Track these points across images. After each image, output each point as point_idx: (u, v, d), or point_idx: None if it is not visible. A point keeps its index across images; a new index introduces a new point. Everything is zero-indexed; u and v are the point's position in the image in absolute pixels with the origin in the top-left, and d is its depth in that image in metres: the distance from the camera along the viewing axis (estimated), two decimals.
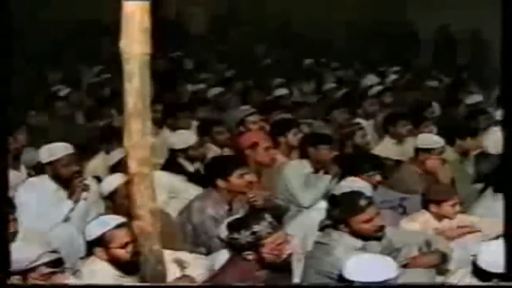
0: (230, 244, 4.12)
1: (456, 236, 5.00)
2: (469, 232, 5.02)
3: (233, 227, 4.11)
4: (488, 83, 11.50)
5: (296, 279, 4.36)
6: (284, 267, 4.05)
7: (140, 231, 3.10)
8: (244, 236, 3.99)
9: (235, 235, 4.03)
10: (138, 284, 3.70)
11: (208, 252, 4.83)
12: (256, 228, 3.99)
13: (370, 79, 10.70)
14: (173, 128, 7.36)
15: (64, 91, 9.37)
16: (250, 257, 4.00)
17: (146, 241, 3.11)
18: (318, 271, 4.31)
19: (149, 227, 3.09)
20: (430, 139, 6.32)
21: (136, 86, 2.91)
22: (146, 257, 3.16)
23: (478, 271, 3.81)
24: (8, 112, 3.21)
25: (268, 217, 4.08)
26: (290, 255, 4.05)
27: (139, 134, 2.95)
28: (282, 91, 9.58)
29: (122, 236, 3.91)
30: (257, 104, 8.30)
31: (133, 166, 3.00)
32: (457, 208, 5.13)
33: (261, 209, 4.81)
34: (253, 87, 10.23)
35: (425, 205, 5.19)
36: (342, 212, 4.34)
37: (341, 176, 5.36)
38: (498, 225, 5.07)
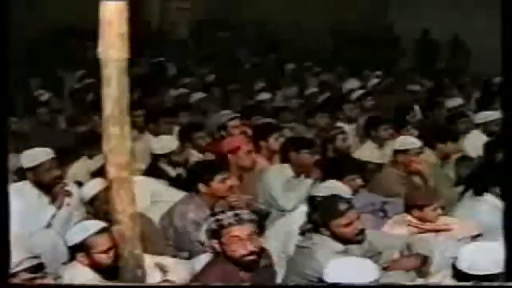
0: (206, 233, 4.17)
1: (428, 232, 5.03)
2: (443, 230, 5.04)
3: (211, 215, 4.24)
4: (469, 86, 11.60)
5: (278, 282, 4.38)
6: (248, 265, 4.02)
7: (120, 235, 3.11)
8: (211, 222, 4.06)
9: (208, 222, 4.13)
10: (138, 284, 3.72)
11: (191, 257, 4.83)
12: (220, 216, 4.05)
13: (352, 83, 10.75)
14: (155, 133, 7.37)
15: (45, 96, 9.34)
16: (217, 246, 4.02)
17: (126, 246, 3.12)
18: (299, 275, 4.32)
19: (129, 232, 3.10)
20: (406, 140, 6.37)
21: (114, 91, 2.93)
22: (126, 261, 3.16)
23: (457, 273, 3.83)
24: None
25: (240, 211, 4.13)
26: (252, 253, 4.00)
27: (118, 139, 2.96)
28: (264, 96, 9.61)
29: (103, 241, 3.91)
30: (239, 109, 8.32)
31: (112, 171, 3.01)
32: (439, 212, 5.15)
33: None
34: (235, 92, 10.25)
35: (407, 209, 5.22)
36: (322, 216, 4.36)
37: (323, 180, 5.38)
38: (477, 227, 5.15)
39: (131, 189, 3.14)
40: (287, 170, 5.96)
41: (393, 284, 4.11)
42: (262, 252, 4.14)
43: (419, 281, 4.52)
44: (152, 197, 5.70)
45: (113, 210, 3.10)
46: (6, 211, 3.28)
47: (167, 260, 4.41)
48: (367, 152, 7.01)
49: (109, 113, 2.99)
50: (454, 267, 3.85)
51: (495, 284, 3.80)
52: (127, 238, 3.14)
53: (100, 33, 2.95)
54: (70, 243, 4.11)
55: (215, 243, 4.04)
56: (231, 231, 3.99)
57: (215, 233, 4.03)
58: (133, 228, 3.13)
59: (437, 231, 5.08)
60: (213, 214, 4.17)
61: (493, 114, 8.01)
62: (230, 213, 4.06)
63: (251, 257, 4.00)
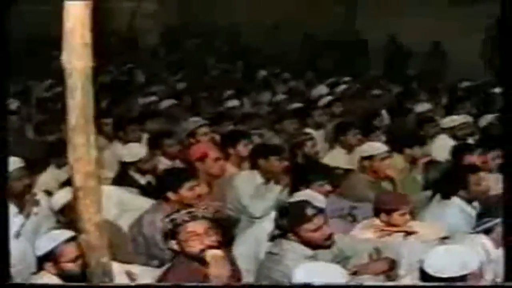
0: (163, 236, 4.23)
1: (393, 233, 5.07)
2: (410, 233, 5.08)
3: (164, 216, 4.26)
4: (437, 91, 11.71)
5: None
6: (202, 261, 4.04)
7: (87, 244, 3.11)
8: (166, 223, 4.12)
9: (161, 224, 4.24)
10: (138, 284, 3.71)
11: (161, 265, 4.82)
12: (174, 215, 4.12)
13: (321, 89, 10.81)
14: (124, 141, 7.35)
15: (14, 105, 9.28)
16: (175, 247, 4.07)
17: (93, 254, 3.13)
18: (269, 281, 4.34)
19: (95, 240, 3.10)
20: (372, 146, 6.41)
21: (78, 101, 2.94)
22: (93, 269, 3.17)
23: (424, 276, 3.87)
24: None
25: (193, 209, 4.20)
26: (212, 247, 4.03)
27: (84, 148, 2.97)
28: (233, 103, 9.63)
29: (71, 250, 3.91)
30: (208, 116, 8.33)
31: (78, 180, 3.02)
32: (407, 217, 5.18)
33: (212, 220, 4.81)
34: (204, 99, 10.26)
35: (375, 214, 5.25)
36: (290, 221, 4.39)
37: (292, 187, 5.40)
38: (445, 231, 5.20)
39: (97, 198, 3.15)
40: (256, 176, 5.98)
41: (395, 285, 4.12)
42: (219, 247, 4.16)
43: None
44: (121, 206, 5.67)
45: (79, 219, 3.10)
46: (6, 211, 3.28)
47: (136, 268, 4.41)
48: (336, 157, 7.06)
49: (74, 122, 3.00)
50: (421, 270, 3.89)
51: (495, 284, 3.85)
52: (94, 246, 3.14)
53: (63, 43, 2.96)
54: (38, 253, 4.10)
55: (173, 243, 4.08)
56: (186, 228, 4.05)
57: (172, 233, 4.09)
58: (100, 237, 3.14)
59: (404, 234, 5.11)
60: (167, 216, 4.22)
61: (460, 119, 8.11)
62: (183, 211, 4.15)
63: (204, 253, 4.04)
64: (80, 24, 2.88)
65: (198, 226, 4.07)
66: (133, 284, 4.00)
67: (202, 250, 4.01)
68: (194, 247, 4.01)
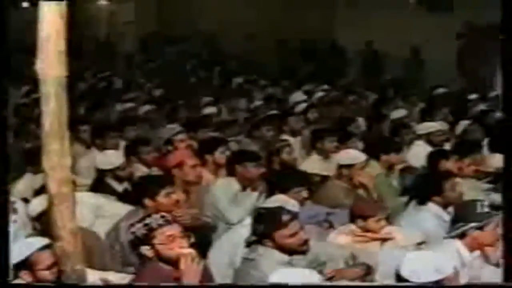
0: (132, 242, 4.20)
1: (372, 241, 5.10)
2: (385, 239, 5.12)
3: (133, 223, 4.24)
4: (413, 97, 11.79)
5: None
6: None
7: (62, 251, 3.11)
8: (138, 229, 4.11)
9: (132, 229, 4.16)
10: (138, 284, 3.71)
11: (138, 272, 4.82)
12: (147, 220, 4.12)
13: (297, 96, 10.85)
14: (101, 148, 7.34)
15: None
16: (149, 252, 4.06)
17: (68, 261, 3.13)
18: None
19: (70, 248, 3.11)
20: (351, 155, 6.45)
21: (53, 108, 2.95)
22: (68, 277, 3.17)
23: (401, 282, 3.89)
24: None
25: (164, 214, 4.21)
26: (189, 253, 4.05)
27: (58, 155, 2.98)
28: (211, 110, 9.64)
29: (47, 257, 3.90)
30: (185, 123, 8.33)
31: (53, 187, 3.03)
32: (383, 223, 5.22)
33: (188, 227, 4.83)
34: (182, 106, 10.27)
35: (352, 220, 5.28)
36: (266, 227, 4.40)
37: (269, 193, 5.42)
38: (421, 236, 5.24)
39: (72, 205, 3.15)
40: (233, 183, 5.99)
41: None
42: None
43: None
44: (98, 213, 5.67)
45: (54, 226, 3.10)
46: (6, 211, 3.26)
47: (112, 276, 4.41)
48: (312, 164, 7.09)
49: (49, 129, 3.01)
50: (396, 275, 3.92)
51: (495, 284, 3.88)
52: (68, 253, 3.14)
53: (38, 51, 2.97)
54: (14, 260, 4.08)
55: (146, 249, 4.07)
56: (162, 232, 4.06)
57: (144, 239, 4.08)
58: (74, 244, 3.14)
59: (381, 240, 5.14)
60: (138, 221, 4.20)
61: (436, 125, 8.18)
62: (156, 216, 4.15)
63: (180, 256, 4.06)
64: (55, 32, 2.89)
65: (173, 230, 4.09)
66: (132, 284, 3.99)
67: (179, 254, 4.02)
68: (171, 250, 4.03)
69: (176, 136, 7.25)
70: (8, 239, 3.22)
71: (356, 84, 13.73)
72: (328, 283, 4.35)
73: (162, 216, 4.15)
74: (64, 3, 2.91)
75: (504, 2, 3.43)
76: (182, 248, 4.04)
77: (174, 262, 4.03)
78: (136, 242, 4.14)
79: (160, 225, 4.08)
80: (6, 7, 3.23)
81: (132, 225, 4.22)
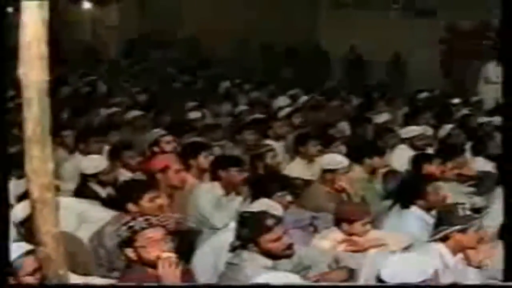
0: (118, 244, 4.21)
1: (363, 250, 5.11)
2: (376, 246, 5.13)
3: (119, 226, 4.24)
4: (396, 102, 11.85)
5: None
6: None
7: (45, 256, 3.11)
8: (122, 231, 4.12)
9: (118, 232, 4.17)
10: (138, 284, 3.74)
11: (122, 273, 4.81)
12: (132, 222, 4.12)
13: (281, 100, 10.88)
14: (85, 153, 7.33)
15: None
16: (132, 254, 4.07)
17: (50, 266, 3.13)
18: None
19: (53, 253, 3.10)
20: (334, 159, 6.46)
21: (35, 113, 2.96)
22: (51, 282, 3.17)
23: (381, 285, 3.91)
24: None
25: (149, 217, 4.19)
26: (168, 256, 4.05)
27: (40, 160, 2.98)
28: (195, 114, 9.65)
29: (30, 263, 3.88)
30: (169, 127, 8.33)
31: (35, 192, 3.03)
32: (368, 227, 5.23)
33: (172, 232, 4.83)
34: (166, 110, 10.26)
35: (337, 224, 5.29)
36: (250, 232, 4.41)
37: (253, 198, 5.43)
38: (405, 239, 5.26)
39: (55, 210, 3.15)
40: (217, 188, 5.99)
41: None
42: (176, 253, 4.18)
43: None
44: (82, 218, 5.66)
45: (37, 231, 3.10)
46: (6, 211, 3.25)
47: (96, 280, 4.40)
48: (296, 168, 7.11)
49: (31, 134, 3.02)
50: (378, 278, 3.93)
51: (496, 284, 3.89)
52: (51, 258, 3.14)
53: (20, 56, 2.98)
54: None
55: (129, 251, 4.08)
56: (145, 234, 4.07)
57: (128, 241, 4.09)
58: (57, 249, 3.14)
59: (369, 248, 5.15)
60: (123, 224, 4.21)
61: (419, 129, 8.22)
62: (140, 218, 4.15)
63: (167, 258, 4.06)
64: (37, 37, 2.89)
65: (156, 233, 4.09)
66: (132, 284, 3.99)
67: (160, 256, 4.03)
68: (152, 253, 4.03)
69: (160, 140, 7.24)
70: (8, 240, 3.21)
71: (340, 89, 13.77)
72: (310, 283, 4.37)
73: (146, 219, 4.15)
74: (46, 8, 2.91)
75: (504, 3, 3.45)
76: (162, 252, 4.04)
77: (154, 265, 4.03)
78: (121, 244, 4.15)
79: (143, 228, 4.09)
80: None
81: (119, 227, 4.22)
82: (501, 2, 3.51)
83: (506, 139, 3.42)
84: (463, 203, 4.97)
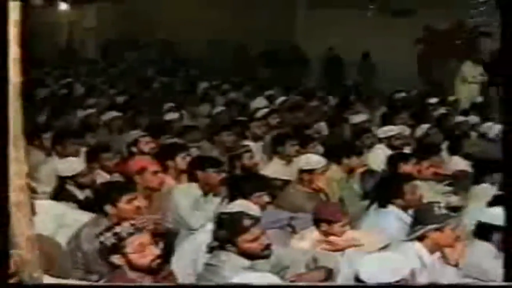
0: (101, 251, 4.16)
1: (341, 250, 5.13)
2: (353, 246, 5.15)
3: (101, 232, 4.19)
4: (374, 102, 11.91)
5: None
6: (154, 270, 4.07)
7: (19, 259, 3.10)
8: (107, 238, 4.07)
9: (101, 239, 4.10)
10: (139, 284, 3.76)
11: (100, 279, 4.80)
12: (117, 229, 4.08)
13: (259, 101, 10.90)
14: (62, 155, 7.29)
15: None
16: (119, 261, 4.04)
17: (25, 269, 3.12)
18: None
19: (28, 255, 3.09)
20: (311, 159, 6.48)
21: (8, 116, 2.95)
22: (26, 284, 3.16)
23: (359, 284, 3.93)
24: None
25: (132, 220, 4.19)
26: (158, 257, 4.07)
27: (14, 163, 2.97)
28: (173, 116, 9.64)
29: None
30: (147, 129, 8.32)
31: (10, 194, 3.02)
32: (347, 227, 5.25)
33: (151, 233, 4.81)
34: (144, 112, 10.24)
35: (315, 224, 5.30)
36: (227, 232, 4.41)
37: (230, 198, 5.43)
38: (383, 239, 5.29)
39: (29, 212, 3.14)
40: (194, 189, 5.99)
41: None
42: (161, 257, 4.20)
43: None
44: (60, 221, 5.63)
45: (12, 234, 3.09)
46: (6, 211, 3.24)
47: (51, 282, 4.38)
48: (274, 169, 7.12)
49: None
50: (355, 277, 3.95)
51: (496, 284, 3.91)
52: (26, 261, 3.13)
53: None
54: None
55: (116, 257, 4.04)
56: (134, 240, 4.03)
57: (114, 248, 4.04)
58: (32, 252, 3.13)
59: (346, 248, 5.17)
60: (106, 230, 4.17)
61: (396, 129, 8.27)
62: (126, 224, 4.12)
63: (158, 261, 4.07)
64: (10, 40, 2.88)
65: (145, 238, 4.08)
66: (133, 284, 3.98)
67: (152, 260, 4.02)
68: (144, 258, 4.01)
69: (141, 138, 7.23)
70: (8, 239, 3.19)
71: (318, 89, 13.81)
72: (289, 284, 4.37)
73: (132, 224, 4.12)
74: (17, 10, 2.90)
75: (503, 4, 3.48)
76: (154, 257, 4.03)
77: (145, 270, 4.02)
78: (105, 251, 4.09)
79: (130, 234, 4.05)
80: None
81: (101, 234, 4.16)
82: (502, 2, 3.53)
83: (507, 140, 3.44)
84: (438, 202, 5.00)
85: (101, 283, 4.05)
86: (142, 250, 4.02)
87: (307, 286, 4.37)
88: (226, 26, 18.12)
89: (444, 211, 4.81)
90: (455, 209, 5.81)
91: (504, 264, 3.51)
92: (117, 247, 4.03)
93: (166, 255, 4.99)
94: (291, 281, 4.50)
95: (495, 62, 15.43)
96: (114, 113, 9.44)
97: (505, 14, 3.43)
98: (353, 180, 7.04)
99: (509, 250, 3.44)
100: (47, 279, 4.13)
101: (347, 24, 17.07)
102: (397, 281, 3.79)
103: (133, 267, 4.03)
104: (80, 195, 6.25)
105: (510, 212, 3.50)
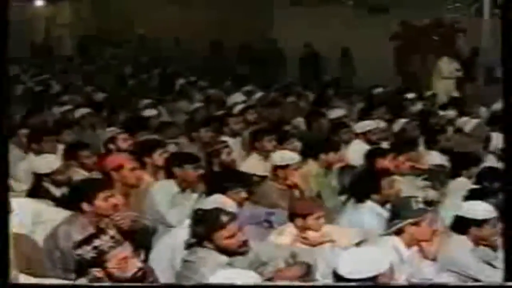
0: (79, 262, 4.05)
1: (316, 245, 5.14)
2: (329, 241, 5.16)
3: (77, 244, 4.09)
4: (351, 97, 11.94)
5: None
6: (136, 282, 4.01)
7: None
8: (86, 252, 3.97)
9: (79, 251, 4.01)
10: (139, 284, 3.73)
11: (77, 277, 4.76)
12: (96, 242, 3.98)
13: (237, 97, 10.88)
14: (39, 152, 7.23)
15: None
16: (99, 274, 3.96)
17: None
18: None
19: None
20: (285, 156, 6.47)
21: None
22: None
23: (338, 279, 3.93)
24: None
25: (110, 232, 4.11)
26: (140, 270, 4.02)
27: None
28: (150, 112, 9.60)
29: None
30: (124, 125, 8.28)
31: None
32: (322, 220, 5.25)
33: (128, 231, 4.79)
34: (121, 109, 10.20)
35: (291, 219, 5.30)
36: (204, 229, 4.41)
37: (208, 194, 5.41)
38: (360, 234, 5.30)
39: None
40: (172, 185, 5.96)
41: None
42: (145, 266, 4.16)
43: None
44: (37, 219, 5.58)
45: None
46: (6, 211, 3.20)
47: (51, 282, 4.35)
48: (251, 164, 7.11)
49: None
50: (334, 272, 3.95)
51: (496, 284, 3.92)
52: None
53: None
54: None
55: (95, 270, 3.96)
56: (116, 255, 3.95)
57: (94, 262, 3.96)
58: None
59: (322, 242, 5.17)
60: (84, 243, 4.07)
61: (373, 124, 8.29)
62: (105, 237, 4.01)
63: (140, 273, 4.01)
64: None
65: (126, 252, 4.00)
66: (134, 284, 3.94)
67: (134, 274, 3.97)
68: (127, 271, 3.96)
69: (119, 135, 7.19)
70: (8, 239, 3.15)
71: (296, 85, 13.81)
72: (269, 283, 4.37)
73: (112, 237, 4.03)
74: None
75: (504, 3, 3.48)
76: (137, 269, 3.98)
77: (128, 281, 3.96)
78: (84, 264, 3.99)
79: (111, 247, 3.97)
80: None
81: (78, 246, 4.06)
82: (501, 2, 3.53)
83: (508, 139, 3.45)
84: (415, 196, 5.01)
85: (95, 283, 3.97)
86: (124, 264, 3.96)
87: (307, 286, 4.35)
88: (203, 22, 18.09)
89: (420, 205, 4.83)
90: (431, 203, 5.83)
91: (504, 264, 3.53)
92: (98, 261, 3.95)
93: (144, 252, 4.97)
94: (269, 278, 4.50)
95: (470, 58, 15.55)
96: (85, 110, 9.36)
97: (505, 14, 3.44)
98: (331, 176, 7.04)
99: (509, 250, 3.45)
100: (25, 278, 4.11)
101: (325, 20, 17.09)
102: (376, 276, 3.79)
103: (114, 279, 3.96)
104: (57, 192, 6.20)
105: (510, 212, 3.51)
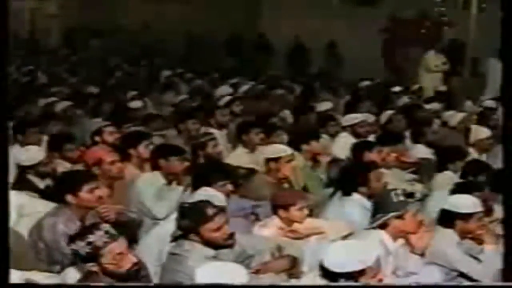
0: (74, 256, 4.08)
1: (303, 238, 5.12)
2: (316, 234, 5.14)
3: (71, 238, 4.10)
4: (338, 90, 11.94)
5: None
6: (131, 276, 4.02)
7: None
8: (81, 247, 3.98)
9: (73, 247, 4.02)
10: (137, 284, 3.74)
11: (63, 269, 4.73)
12: (91, 238, 3.98)
13: (223, 89, 10.85)
14: (24, 144, 7.18)
15: None
16: (94, 268, 3.97)
17: None
18: (173, 282, 4.33)
19: None
20: (277, 148, 6.44)
21: None
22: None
23: (325, 272, 3.92)
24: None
25: (105, 227, 4.08)
26: (135, 264, 4.03)
27: None
28: (136, 104, 9.55)
29: None
30: (110, 117, 8.24)
31: None
32: (306, 211, 5.22)
33: (114, 223, 4.76)
34: (107, 100, 10.15)
35: (274, 211, 5.28)
36: (191, 222, 4.38)
37: (194, 187, 5.39)
38: (347, 227, 5.29)
39: None
40: (158, 178, 5.94)
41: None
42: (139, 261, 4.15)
43: (293, 282, 4.60)
44: (21, 211, 5.54)
45: None
46: (6, 211, 3.15)
47: (36, 276, 4.32)
48: (238, 157, 7.08)
49: None
50: (321, 266, 3.94)
51: (496, 284, 3.92)
52: None
53: None
54: None
55: (90, 265, 3.97)
56: (111, 250, 3.96)
57: (89, 257, 3.96)
58: None
59: (309, 236, 5.15)
60: (78, 238, 4.06)
61: (360, 116, 8.27)
62: (99, 233, 4.00)
63: (136, 268, 4.03)
64: None
65: (121, 246, 4.00)
66: (130, 284, 3.92)
67: (130, 269, 3.98)
68: (122, 267, 3.96)
69: (105, 128, 7.15)
70: (8, 239, 3.12)
71: (283, 78, 13.79)
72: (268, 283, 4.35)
73: (106, 232, 4.02)
74: None
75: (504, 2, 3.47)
76: (132, 264, 3.98)
77: (123, 277, 3.97)
78: (78, 259, 4.02)
79: (106, 243, 3.97)
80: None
81: (72, 241, 4.06)
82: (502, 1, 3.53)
83: (507, 137, 3.45)
84: (396, 189, 4.98)
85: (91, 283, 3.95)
86: (119, 259, 3.96)
87: (307, 286, 4.34)
88: (190, 15, 18.05)
89: (402, 198, 4.81)
90: (411, 195, 5.80)
91: (504, 264, 3.53)
92: (92, 257, 3.96)
93: (130, 245, 4.95)
94: (256, 271, 4.48)
95: (457, 51, 15.58)
96: (67, 103, 9.28)
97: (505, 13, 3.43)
98: (319, 169, 7.02)
99: (509, 250, 3.45)
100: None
101: (312, 13, 17.07)
102: (363, 269, 3.78)
103: (109, 274, 3.97)
104: (41, 184, 6.16)
105: (510, 211, 3.51)
